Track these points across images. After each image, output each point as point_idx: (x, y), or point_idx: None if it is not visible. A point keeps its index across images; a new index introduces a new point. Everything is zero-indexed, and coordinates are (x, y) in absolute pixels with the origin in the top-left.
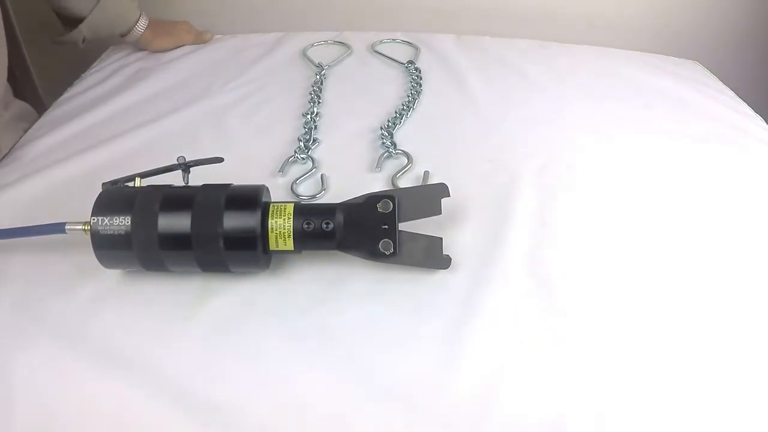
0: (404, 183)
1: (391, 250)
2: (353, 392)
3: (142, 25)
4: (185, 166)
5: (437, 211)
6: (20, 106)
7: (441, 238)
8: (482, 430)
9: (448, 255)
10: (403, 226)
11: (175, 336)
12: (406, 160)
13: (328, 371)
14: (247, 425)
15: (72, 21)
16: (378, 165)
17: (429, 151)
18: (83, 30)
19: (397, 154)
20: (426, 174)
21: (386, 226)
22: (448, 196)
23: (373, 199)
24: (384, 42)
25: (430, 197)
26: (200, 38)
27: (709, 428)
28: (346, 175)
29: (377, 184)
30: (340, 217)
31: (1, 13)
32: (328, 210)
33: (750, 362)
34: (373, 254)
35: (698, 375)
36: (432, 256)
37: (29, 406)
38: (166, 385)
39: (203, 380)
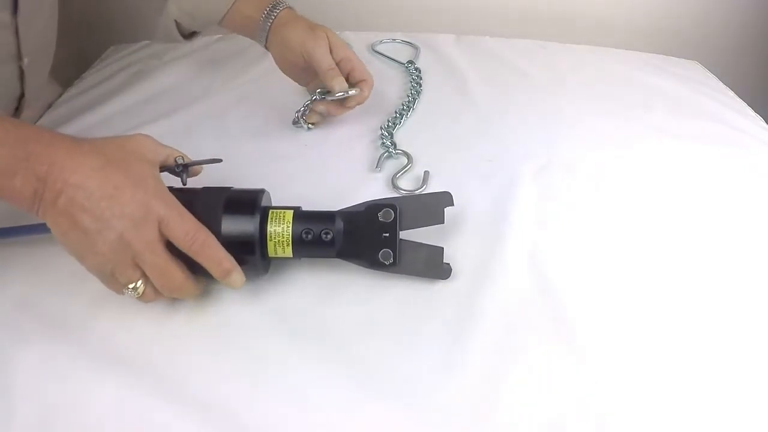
0: (404, 183)
1: (391, 261)
2: (353, 392)
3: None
4: (183, 167)
5: (440, 220)
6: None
7: (442, 248)
8: (482, 431)
9: (448, 264)
10: (404, 233)
11: (175, 336)
12: (406, 160)
13: (328, 371)
14: (247, 425)
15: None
16: (378, 165)
17: (429, 151)
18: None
19: (397, 154)
20: (426, 174)
21: (387, 235)
22: (452, 205)
23: (375, 207)
24: (384, 42)
25: (433, 206)
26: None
27: (709, 429)
28: (346, 175)
29: (377, 184)
30: (340, 225)
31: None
32: (329, 218)
33: (750, 362)
34: (373, 263)
35: (699, 376)
36: (432, 266)
37: (29, 406)
38: (166, 385)
39: (203, 380)
